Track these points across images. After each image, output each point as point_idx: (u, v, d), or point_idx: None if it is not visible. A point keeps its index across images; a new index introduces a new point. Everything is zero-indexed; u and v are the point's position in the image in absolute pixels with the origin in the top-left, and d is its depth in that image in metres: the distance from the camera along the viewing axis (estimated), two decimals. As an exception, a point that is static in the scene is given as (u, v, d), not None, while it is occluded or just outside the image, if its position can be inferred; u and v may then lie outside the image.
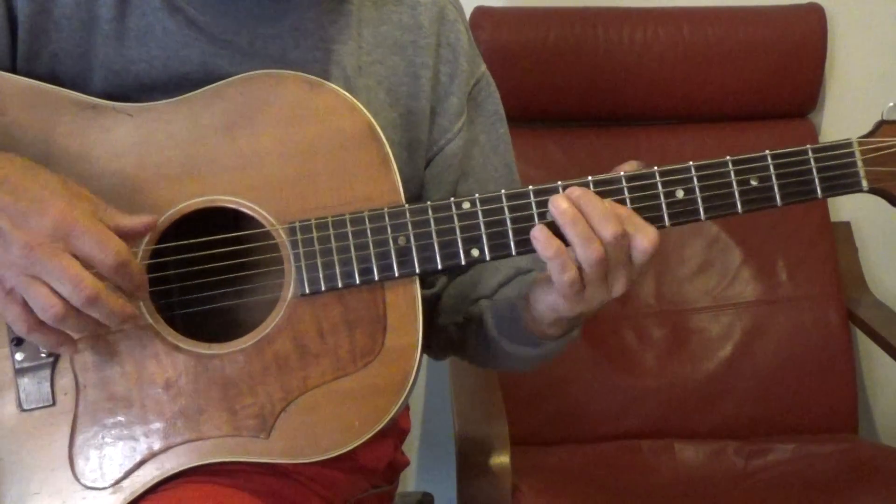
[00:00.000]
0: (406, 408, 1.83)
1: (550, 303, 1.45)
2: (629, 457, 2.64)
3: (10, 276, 1.33)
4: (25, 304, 1.34)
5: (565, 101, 2.79)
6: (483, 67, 1.73)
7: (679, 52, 2.79)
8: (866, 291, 2.87)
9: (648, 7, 2.84)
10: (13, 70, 1.52)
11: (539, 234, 1.41)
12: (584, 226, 1.40)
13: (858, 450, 2.63)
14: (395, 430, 1.78)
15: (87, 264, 1.33)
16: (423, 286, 1.56)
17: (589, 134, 2.86)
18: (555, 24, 2.77)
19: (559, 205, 1.41)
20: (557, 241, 1.40)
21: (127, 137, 1.48)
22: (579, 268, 1.40)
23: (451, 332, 1.68)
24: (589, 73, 2.78)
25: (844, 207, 2.90)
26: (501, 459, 2.14)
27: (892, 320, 2.74)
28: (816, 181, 1.46)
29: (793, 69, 2.83)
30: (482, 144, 1.71)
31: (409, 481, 3.05)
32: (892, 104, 1.49)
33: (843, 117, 2.96)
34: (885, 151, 1.47)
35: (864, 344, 2.93)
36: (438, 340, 1.72)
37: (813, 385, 2.75)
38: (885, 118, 1.50)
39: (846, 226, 2.95)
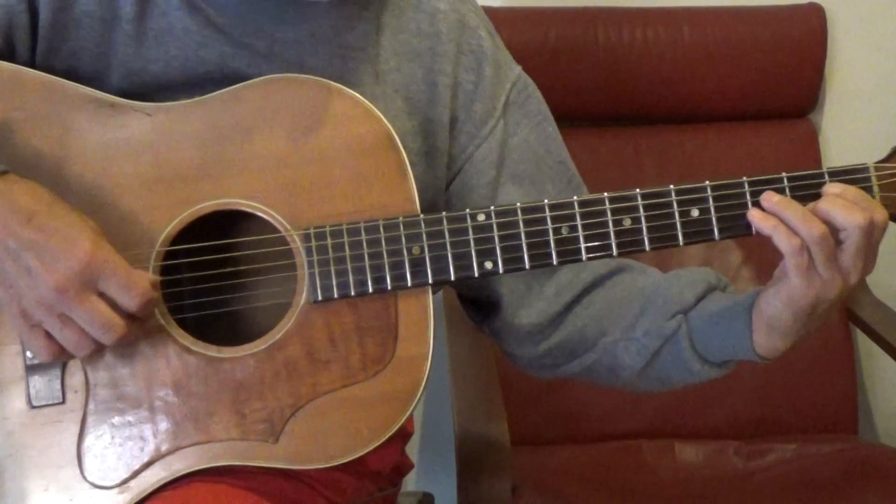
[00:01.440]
0: (410, 410, 1.83)
1: (785, 296, 1.41)
2: (629, 457, 2.64)
3: (39, 313, 1.36)
4: (49, 336, 1.38)
5: (565, 102, 2.76)
6: (517, 70, 1.71)
7: (679, 52, 2.79)
8: (866, 291, 2.87)
9: (648, 7, 2.84)
10: (32, 66, 1.52)
11: (754, 214, 1.42)
12: (798, 207, 1.40)
13: (858, 450, 2.63)
14: (401, 433, 1.77)
15: (113, 304, 1.36)
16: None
17: (589, 134, 2.86)
18: (555, 24, 2.78)
19: (768, 198, 1.42)
20: (773, 218, 1.40)
21: (144, 137, 1.48)
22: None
23: (619, 350, 1.62)
24: (589, 73, 2.78)
25: (844, 207, 2.90)
26: (501, 459, 2.14)
27: (892, 320, 2.74)
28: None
29: (793, 69, 2.84)
30: (533, 146, 1.68)
31: (410, 481, 3.05)
32: (911, 130, 1.49)
33: (843, 117, 2.96)
34: None
35: (864, 344, 2.93)
36: (592, 358, 1.65)
37: (813, 385, 2.76)
38: None
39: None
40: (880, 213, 1.41)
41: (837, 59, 2.95)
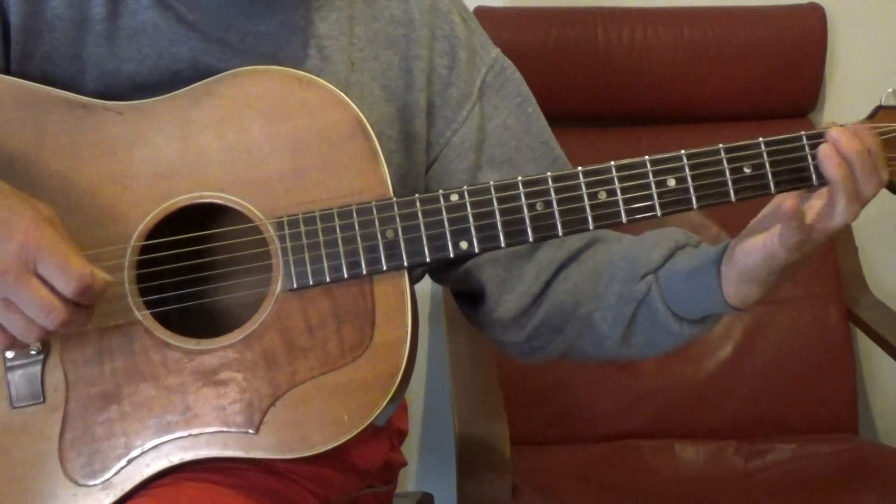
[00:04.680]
0: (404, 409, 1.82)
1: (767, 253, 1.42)
2: (629, 457, 2.64)
3: None
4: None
5: (565, 101, 2.79)
6: (494, 53, 1.70)
7: (679, 52, 2.80)
8: (866, 291, 2.87)
9: (648, 7, 2.85)
10: (7, 72, 1.52)
11: (826, 149, 1.41)
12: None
13: (858, 450, 2.64)
14: (392, 431, 1.77)
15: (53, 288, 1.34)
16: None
17: (589, 134, 2.86)
18: (555, 24, 2.78)
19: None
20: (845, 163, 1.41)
21: (117, 135, 1.48)
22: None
23: (595, 320, 1.61)
24: (589, 73, 2.79)
25: (844, 207, 2.90)
26: (501, 459, 2.14)
27: (892, 320, 2.74)
28: (811, 167, 1.43)
29: (793, 69, 2.84)
30: (513, 128, 1.67)
31: (409, 481, 3.05)
32: (890, 90, 1.47)
33: (843, 117, 2.91)
34: (883, 137, 1.45)
35: (864, 344, 2.93)
36: (573, 332, 1.64)
37: (813, 385, 2.76)
38: (883, 104, 1.47)
39: (846, 225, 2.93)
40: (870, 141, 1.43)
41: (837, 59, 2.96)
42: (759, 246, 1.42)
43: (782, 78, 2.85)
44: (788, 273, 1.45)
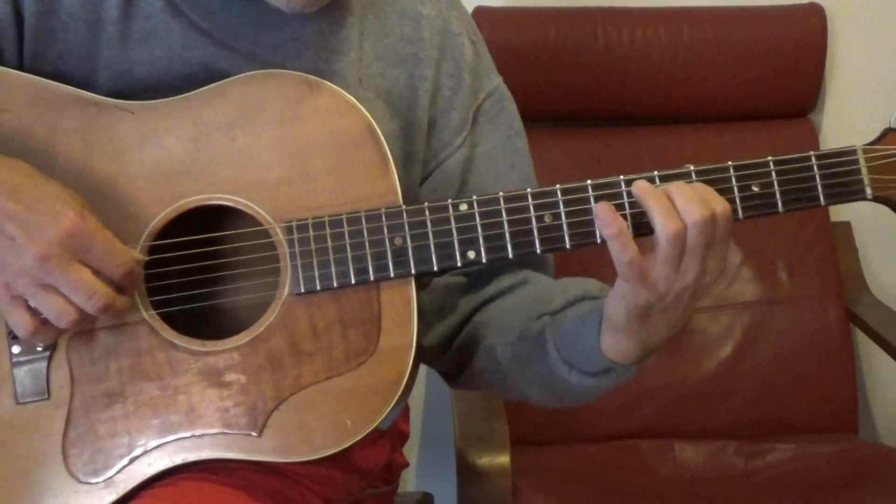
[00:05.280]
0: (406, 411, 1.83)
1: (618, 292, 1.40)
2: (629, 457, 2.64)
3: (22, 284, 1.37)
4: (30, 308, 1.38)
5: (565, 102, 2.79)
6: (496, 81, 1.71)
7: (679, 52, 2.79)
8: (866, 291, 2.87)
9: (648, 7, 2.84)
10: (20, 69, 1.53)
11: (602, 210, 1.38)
12: (667, 201, 1.37)
13: (858, 450, 2.64)
14: (394, 433, 1.78)
15: (96, 272, 1.37)
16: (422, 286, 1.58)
17: (589, 134, 2.86)
18: (555, 24, 2.77)
19: (641, 183, 1.40)
20: (621, 220, 1.37)
21: (128, 135, 1.48)
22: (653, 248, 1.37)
23: (497, 353, 1.61)
24: (589, 73, 2.78)
25: (844, 207, 2.89)
26: (501, 459, 2.15)
27: (892, 320, 2.74)
28: (819, 188, 1.43)
29: (793, 69, 2.84)
30: (496, 160, 1.69)
31: (409, 481, 3.06)
32: (900, 112, 1.48)
33: (843, 117, 2.96)
34: (891, 160, 1.45)
35: (864, 344, 2.93)
36: (479, 363, 1.65)
37: (813, 385, 2.76)
38: (891, 125, 1.47)
39: (846, 226, 2.94)
40: (720, 205, 1.38)
41: (837, 59, 2.95)
42: (616, 288, 1.41)
43: (782, 78, 2.84)
44: (657, 321, 1.42)
